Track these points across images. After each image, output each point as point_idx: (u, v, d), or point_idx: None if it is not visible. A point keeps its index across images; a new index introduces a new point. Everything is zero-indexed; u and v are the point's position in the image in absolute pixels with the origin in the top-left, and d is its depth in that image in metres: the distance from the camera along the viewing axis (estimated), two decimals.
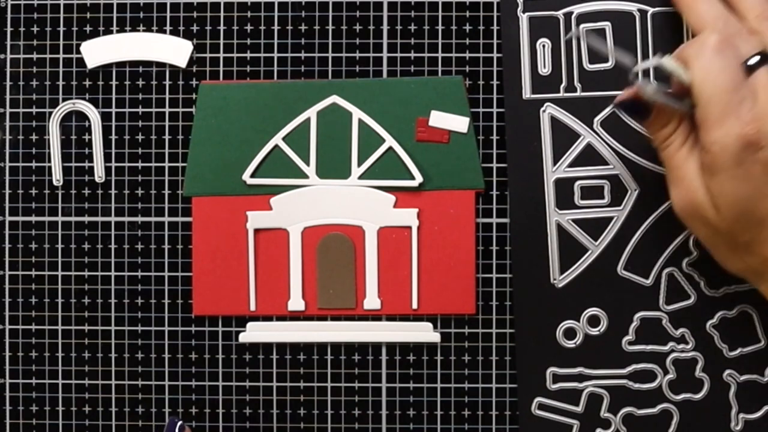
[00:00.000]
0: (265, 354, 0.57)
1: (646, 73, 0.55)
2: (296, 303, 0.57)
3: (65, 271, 0.57)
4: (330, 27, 0.57)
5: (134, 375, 0.57)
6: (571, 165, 0.56)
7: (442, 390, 0.57)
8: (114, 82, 0.57)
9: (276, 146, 0.56)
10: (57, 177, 0.57)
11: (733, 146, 0.46)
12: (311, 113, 0.56)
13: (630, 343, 0.56)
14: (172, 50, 0.57)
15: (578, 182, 0.56)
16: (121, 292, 0.57)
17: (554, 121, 0.56)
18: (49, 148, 0.57)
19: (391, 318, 0.57)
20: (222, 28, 0.57)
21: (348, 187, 0.56)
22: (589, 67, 0.55)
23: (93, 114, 0.57)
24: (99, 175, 0.57)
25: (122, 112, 0.57)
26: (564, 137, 0.56)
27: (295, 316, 0.57)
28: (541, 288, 0.56)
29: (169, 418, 0.56)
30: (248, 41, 0.57)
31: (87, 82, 0.57)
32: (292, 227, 0.56)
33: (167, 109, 0.57)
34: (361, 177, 0.56)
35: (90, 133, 0.57)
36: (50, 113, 0.57)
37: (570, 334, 0.56)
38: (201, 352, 0.57)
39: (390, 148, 0.56)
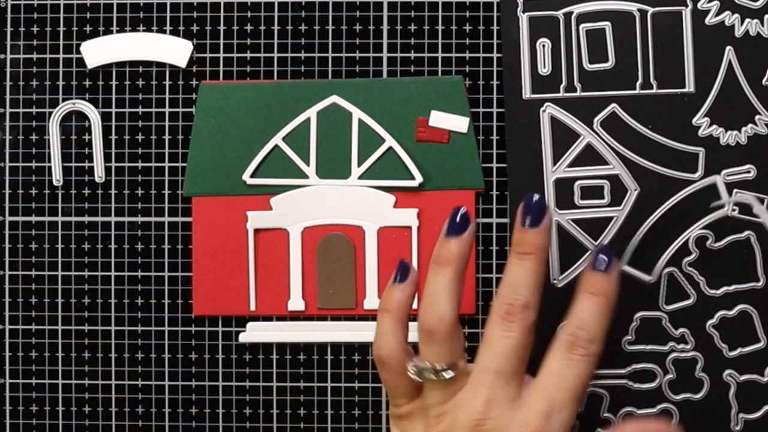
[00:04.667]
0: (265, 354, 0.57)
1: None
2: (296, 303, 0.57)
3: (65, 271, 0.57)
4: (330, 27, 0.57)
5: (134, 375, 0.57)
6: (571, 165, 0.56)
7: None
8: (114, 82, 0.57)
9: (276, 146, 0.56)
10: (57, 177, 0.57)
11: None
12: (311, 113, 0.56)
13: (630, 343, 0.56)
14: (172, 50, 0.57)
15: (578, 182, 0.56)
16: (121, 292, 0.57)
17: (554, 121, 0.56)
18: (49, 148, 0.57)
19: None
20: (222, 28, 0.57)
21: (348, 187, 0.56)
22: (589, 67, 0.56)
23: (93, 114, 0.57)
24: (99, 175, 0.57)
25: (122, 112, 0.57)
26: (564, 137, 0.56)
27: (295, 316, 0.57)
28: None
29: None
30: (248, 41, 0.57)
31: (87, 82, 0.57)
32: (292, 227, 0.56)
33: (167, 109, 0.57)
34: (361, 177, 0.56)
35: (90, 133, 0.57)
36: (50, 113, 0.57)
37: None
38: (201, 352, 0.57)
39: (390, 148, 0.56)
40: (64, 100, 0.57)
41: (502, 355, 0.47)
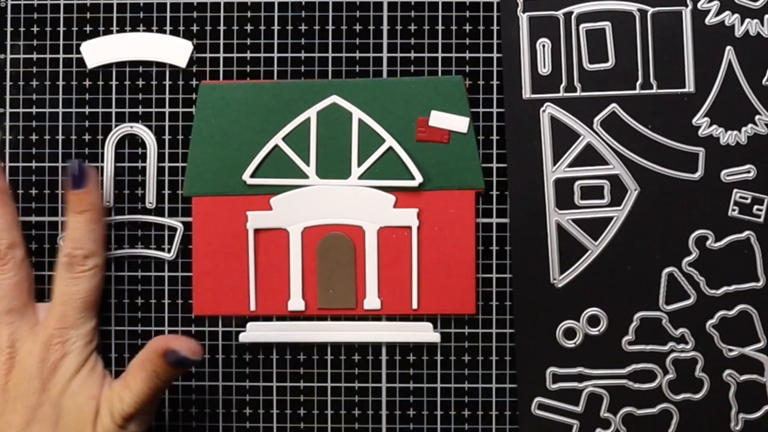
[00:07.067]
0: (265, 354, 0.57)
1: None
2: (296, 303, 0.57)
3: None
4: (330, 27, 0.57)
5: None
6: (571, 165, 0.56)
7: (442, 390, 0.57)
8: (114, 82, 0.57)
9: (276, 146, 0.56)
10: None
11: None
12: (311, 113, 0.56)
13: (630, 343, 0.56)
14: (172, 50, 0.57)
15: (578, 182, 0.56)
16: (121, 292, 0.57)
17: (554, 121, 0.56)
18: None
19: (391, 318, 0.57)
20: (222, 28, 0.57)
21: (348, 187, 0.56)
22: (589, 67, 0.56)
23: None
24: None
25: (122, 112, 0.57)
26: (564, 137, 0.56)
27: (295, 316, 0.57)
28: (541, 288, 0.56)
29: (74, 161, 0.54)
30: (248, 41, 0.57)
31: (87, 82, 0.57)
32: (292, 227, 0.56)
33: (167, 109, 0.57)
34: (361, 177, 0.56)
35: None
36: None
37: (570, 334, 0.56)
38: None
39: (390, 148, 0.56)
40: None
41: (5, 296, 0.52)
